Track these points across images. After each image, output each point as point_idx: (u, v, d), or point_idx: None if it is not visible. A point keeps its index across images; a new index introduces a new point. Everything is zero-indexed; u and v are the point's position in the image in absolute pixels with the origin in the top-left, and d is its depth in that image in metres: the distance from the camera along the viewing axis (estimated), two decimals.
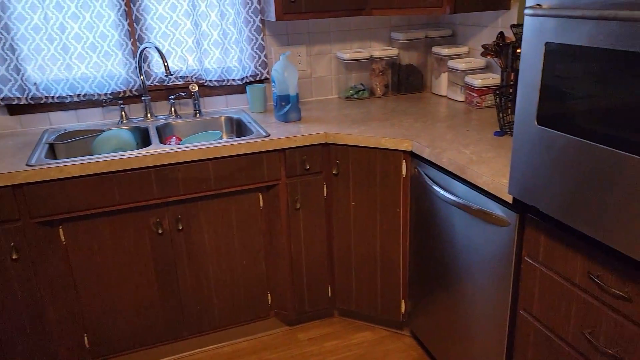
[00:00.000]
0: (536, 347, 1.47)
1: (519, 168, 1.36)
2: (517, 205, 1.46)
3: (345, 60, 2.56)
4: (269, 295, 2.27)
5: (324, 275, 2.28)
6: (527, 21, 1.24)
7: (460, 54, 2.53)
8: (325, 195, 2.16)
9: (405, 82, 2.70)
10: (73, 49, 2.19)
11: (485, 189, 1.56)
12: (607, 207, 1.11)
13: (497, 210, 1.54)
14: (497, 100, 1.97)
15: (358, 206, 2.13)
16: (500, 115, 1.96)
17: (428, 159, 1.85)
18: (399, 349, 2.20)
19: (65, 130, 2.20)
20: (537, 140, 1.28)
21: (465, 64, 2.40)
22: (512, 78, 2.05)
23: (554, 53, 1.19)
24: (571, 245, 1.29)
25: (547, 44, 1.20)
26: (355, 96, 2.65)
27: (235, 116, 2.37)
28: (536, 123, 1.27)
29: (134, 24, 2.25)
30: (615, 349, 1.20)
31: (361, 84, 2.69)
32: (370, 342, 2.25)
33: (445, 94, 2.61)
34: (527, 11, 1.22)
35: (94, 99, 2.26)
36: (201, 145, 1.94)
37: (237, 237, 2.12)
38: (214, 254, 2.11)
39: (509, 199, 1.46)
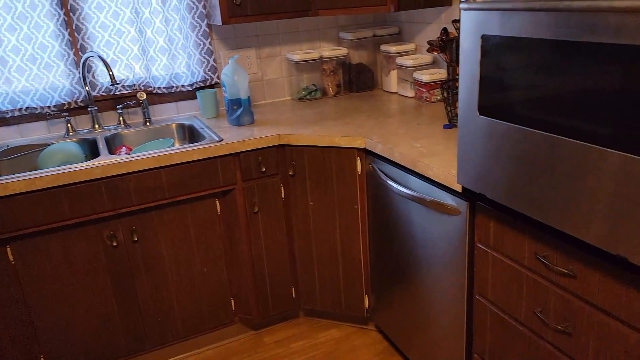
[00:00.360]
0: (493, 329, 1.51)
1: (466, 158, 1.40)
2: (466, 194, 1.50)
3: (295, 61, 2.57)
4: (233, 300, 2.25)
5: (287, 277, 2.28)
6: (463, 15, 1.28)
7: (408, 51, 2.59)
8: (283, 196, 2.16)
9: (357, 80, 2.73)
10: (12, 61, 2.11)
11: (436, 180, 1.60)
12: (548, 189, 1.16)
13: (448, 200, 1.58)
14: (444, 94, 2.02)
15: (316, 205, 2.14)
16: (448, 108, 2.02)
17: (381, 154, 1.88)
18: (365, 343, 2.22)
19: (7, 146, 2.12)
20: (479, 130, 1.32)
21: (413, 61, 2.46)
22: (457, 72, 2.11)
23: (490, 45, 1.23)
24: (519, 229, 1.34)
25: (483, 36, 1.25)
26: (308, 97, 2.66)
27: (186, 122, 2.33)
28: (478, 113, 1.31)
29: (75, 33, 2.18)
30: (564, 325, 1.25)
31: (313, 84, 2.70)
32: (336, 340, 2.26)
33: (395, 91, 2.66)
34: (462, 5, 1.26)
35: (37, 112, 2.18)
36: (152, 153, 1.91)
37: (196, 244, 2.09)
38: (172, 263, 2.07)
39: (458, 188, 1.51)
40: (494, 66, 1.23)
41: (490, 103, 1.27)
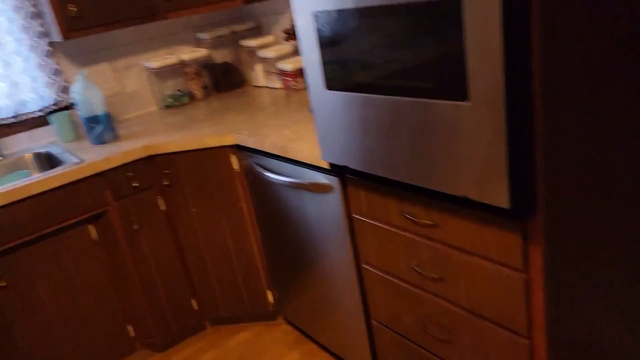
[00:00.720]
0: (383, 293, 1.57)
1: (324, 134, 1.44)
2: (335, 170, 1.54)
3: (155, 69, 2.48)
4: (130, 327, 2.12)
5: (184, 290, 2.20)
6: None
7: (268, 43, 2.60)
8: (163, 208, 2.08)
9: (223, 80, 2.70)
10: None
11: (306, 162, 1.63)
12: (395, 148, 1.22)
13: (322, 179, 1.61)
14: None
15: (200, 211, 2.08)
16: None
17: (253, 147, 1.87)
18: (276, 339, 2.22)
19: None
20: (330, 105, 1.36)
21: (275, 52, 2.47)
22: None
23: (322, 21, 1.27)
24: (384, 193, 1.40)
25: (315, 13, 1.28)
26: (175, 103, 2.58)
27: (43, 150, 2.16)
28: (325, 89, 1.35)
29: None
30: (438, 272, 1.33)
31: (179, 90, 2.63)
32: (247, 341, 2.23)
33: (264, 84, 2.67)
34: None
35: None
36: (4, 188, 1.73)
37: (77, 277, 1.95)
38: (53, 302, 1.91)
39: (327, 165, 1.54)
40: (330, 40, 1.27)
41: (334, 77, 1.31)
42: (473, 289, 1.25)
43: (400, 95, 1.14)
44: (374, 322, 1.68)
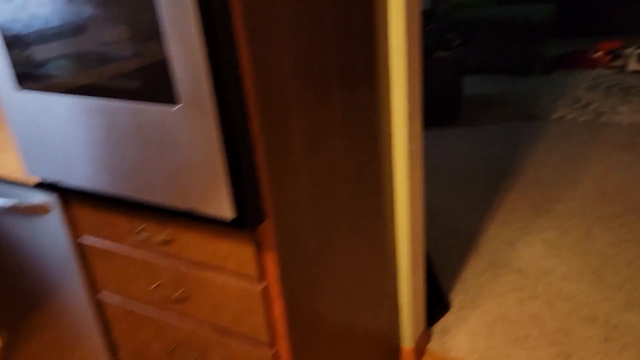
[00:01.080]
0: (127, 322, 1.38)
1: (27, 143, 1.17)
2: (51, 186, 1.27)
3: None
4: None
5: None
6: None
7: None
8: None
9: None
10: None
11: (12, 178, 1.32)
12: (117, 159, 1.04)
13: (36, 198, 1.32)
14: None
15: None
16: None
17: None
18: None
19: None
20: (28, 108, 1.10)
21: None
22: None
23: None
24: (113, 210, 1.21)
25: None
26: None
27: None
28: (18, 89, 1.09)
29: None
30: (180, 292, 1.20)
31: None
32: None
33: None
34: None
35: None
36: None
37: None
38: None
39: (38, 181, 1.26)
40: (16, 27, 1.02)
41: (27, 73, 1.06)
42: (215, 305, 1.16)
43: (110, 97, 0.97)
44: (119, 357, 1.47)
